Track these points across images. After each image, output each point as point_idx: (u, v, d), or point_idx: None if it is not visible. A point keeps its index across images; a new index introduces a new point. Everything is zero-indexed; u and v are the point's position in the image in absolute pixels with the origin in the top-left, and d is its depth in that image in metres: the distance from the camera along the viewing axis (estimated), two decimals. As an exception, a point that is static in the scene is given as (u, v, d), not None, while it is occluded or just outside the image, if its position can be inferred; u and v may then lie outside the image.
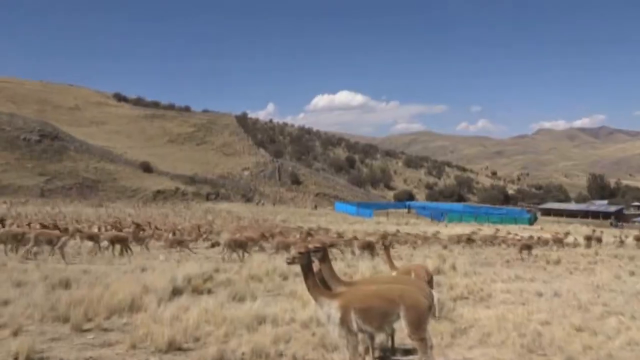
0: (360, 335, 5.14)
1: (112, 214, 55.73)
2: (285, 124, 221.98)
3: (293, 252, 5.08)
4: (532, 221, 76.67)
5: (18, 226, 23.16)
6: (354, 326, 4.88)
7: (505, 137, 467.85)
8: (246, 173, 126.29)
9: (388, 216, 76.08)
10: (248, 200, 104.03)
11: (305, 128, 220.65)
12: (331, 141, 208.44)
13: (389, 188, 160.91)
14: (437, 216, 75.68)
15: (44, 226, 20.79)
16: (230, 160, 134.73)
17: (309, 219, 66.41)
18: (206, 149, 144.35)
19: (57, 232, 16.81)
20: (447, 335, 7.52)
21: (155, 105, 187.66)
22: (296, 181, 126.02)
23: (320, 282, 5.84)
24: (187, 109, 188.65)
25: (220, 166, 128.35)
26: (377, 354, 6.32)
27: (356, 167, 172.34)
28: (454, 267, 16.01)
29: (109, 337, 6.55)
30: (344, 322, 4.85)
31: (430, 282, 8.74)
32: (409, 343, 6.99)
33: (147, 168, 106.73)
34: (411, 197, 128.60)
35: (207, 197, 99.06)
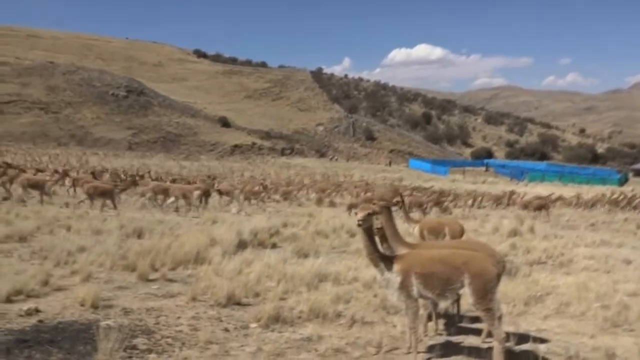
0: (421, 301, 4.82)
1: (200, 169, 57.96)
2: (361, 79, 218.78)
3: (361, 213, 4.72)
4: (622, 182, 71.41)
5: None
6: (414, 291, 4.59)
7: (596, 92, 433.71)
8: (320, 128, 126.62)
9: (464, 174, 73.76)
10: (322, 155, 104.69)
11: (381, 83, 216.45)
12: (407, 97, 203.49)
13: (467, 145, 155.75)
14: (517, 175, 72.30)
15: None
16: (305, 115, 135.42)
17: (382, 175, 65.83)
18: (281, 104, 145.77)
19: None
20: (521, 302, 6.99)
21: (233, 61, 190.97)
22: (370, 137, 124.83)
23: (382, 241, 5.61)
24: (263, 65, 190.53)
25: (295, 121, 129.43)
26: (441, 320, 5.98)
27: (432, 124, 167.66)
28: (532, 230, 15.11)
29: (172, 288, 6.67)
30: (404, 286, 4.58)
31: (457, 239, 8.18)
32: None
33: (225, 123, 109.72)
34: (490, 155, 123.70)
35: (282, 152, 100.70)
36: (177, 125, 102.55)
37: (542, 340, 5.54)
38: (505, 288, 7.41)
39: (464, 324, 6.00)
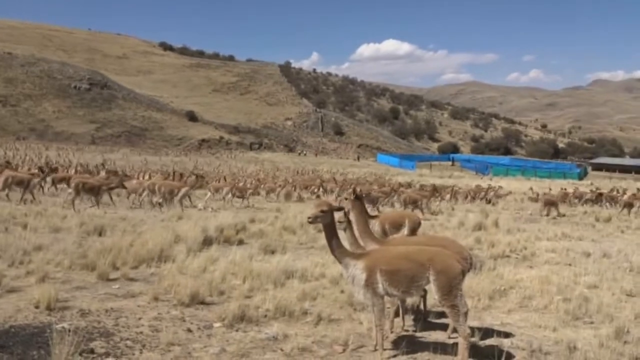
0: (386, 298, 4.78)
1: (167, 163, 56.90)
2: (329, 74, 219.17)
3: (314, 210, 4.71)
4: (581, 176, 73.70)
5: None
6: (380, 289, 4.53)
7: (558, 89, 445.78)
8: (289, 123, 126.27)
9: (431, 169, 74.79)
10: (290, 150, 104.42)
11: (349, 78, 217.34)
12: (375, 92, 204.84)
13: (434, 140, 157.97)
14: (482, 169, 73.82)
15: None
16: (274, 110, 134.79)
17: (351, 170, 66.10)
18: (250, 98, 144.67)
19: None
20: (485, 296, 7.05)
21: (200, 54, 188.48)
22: (339, 132, 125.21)
23: (352, 238, 5.55)
24: (231, 58, 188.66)
25: (264, 116, 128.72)
26: (408, 316, 5.97)
27: (400, 119, 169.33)
28: (496, 224, 15.37)
29: (133, 287, 6.46)
30: (369, 284, 4.52)
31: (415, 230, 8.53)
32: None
33: (192, 117, 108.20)
34: (456, 149, 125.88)
35: (251, 147, 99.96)
36: (143, 119, 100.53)
37: (506, 335, 5.60)
38: (470, 282, 7.48)
39: (431, 320, 6.01)
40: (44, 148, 64.17)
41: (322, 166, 68.97)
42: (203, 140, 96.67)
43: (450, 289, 4.41)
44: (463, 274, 4.64)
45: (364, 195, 6.43)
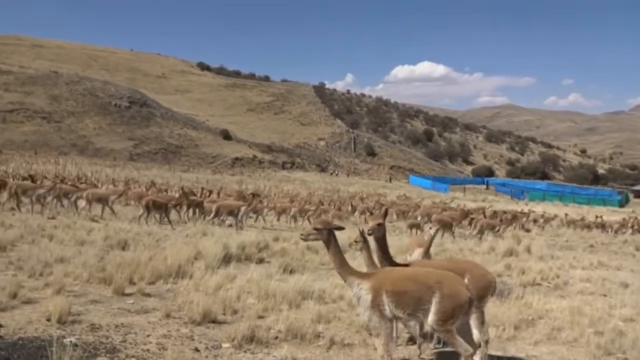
0: (394, 321, 4.55)
1: (199, 181, 57.76)
2: (363, 95, 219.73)
3: (308, 227, 4.70)
4: (623, 203, 71.08)
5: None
6: (387, 311, 4.34)
7: (598, 113, 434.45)
8: (322, 143, 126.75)
9: (465, 192, 73.52)
10: (322, 170, 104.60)
11: (383, 99, 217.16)
12: (409, 113, 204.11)
13: (468, 163, 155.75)
14: (518, 194, 72.12)
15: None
16: (307, 130, 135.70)
17: (382, 192, 65.61)
18: (283, 118, 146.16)
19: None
20: (511, 326, 6.70)
21: (236, 74, 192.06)
22: (371, 153, 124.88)
23: (369, 260, 5.34)
24: (266, 79, 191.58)
25: (297, 136, 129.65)
26: (427, 343, 5.71)
27: (434, 141, 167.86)
28: (528, 250, 14.84)
29: (147, 303, 6.41)
30: (375, 305, 4.34)
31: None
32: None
33: (226, 136, 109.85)
34: (491, 173, 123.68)
35: (283, 166, 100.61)
36: (179, 137, 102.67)
37: (530, 368, 5.28)
38: (496, 310, 7.17)
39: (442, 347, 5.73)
40: (88, 163, 66.18)
41: (354, 187, 68.63)
42: (236, 159, 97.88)
43: (452, 315, 4.22)
44: (469, 302, 4.37)
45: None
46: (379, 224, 4.99)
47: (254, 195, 20.40)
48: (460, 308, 4.26)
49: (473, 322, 5.05)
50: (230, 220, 17.48)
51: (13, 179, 17.87)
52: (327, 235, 4.56)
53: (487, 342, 5.15)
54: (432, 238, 6.76)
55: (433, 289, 4.27)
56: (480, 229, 18.38)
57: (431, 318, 4.25)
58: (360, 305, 4.45)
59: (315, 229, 4.60)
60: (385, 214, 5.35)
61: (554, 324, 7.01)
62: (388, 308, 4.33)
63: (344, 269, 4.54)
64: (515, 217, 22.52)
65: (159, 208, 15.89)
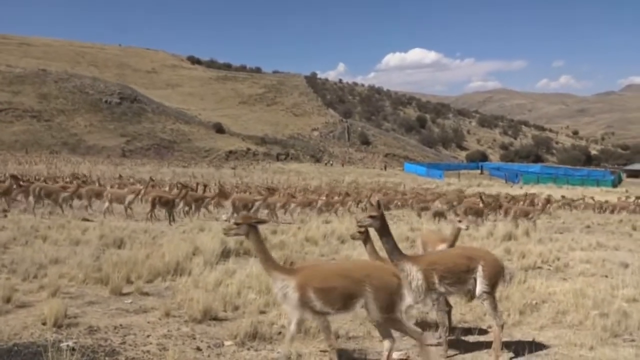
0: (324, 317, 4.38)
1: (194, 175, 57.46)
2: (355, 84, 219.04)
3: (233, 221, 4.67)
4: (616, 183, 71.44)
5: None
6: (317, 307, 4.23)
7: (589, 94, 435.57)
8: (315, 133, 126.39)
9: (459, 177, 73.60)
10: (317, 160, 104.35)
11: (375, 88, 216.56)
12: (401, 101, 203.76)
13: (462, 148, 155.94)
14: (512, 177, 72.26)
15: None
16: (300, 120, 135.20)
17: (377, 179, 65.50)
18: (276, 109, 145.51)
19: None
20: (515, 311, 6.62)
21: (227, 67, 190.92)
22: (365, 141, 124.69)
23: (374, 254, 5.58)
24: (257, 70, 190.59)
25: (290, 127, 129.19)
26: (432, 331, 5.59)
27: (427, 127, 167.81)
28: (527, 233, 14.77)
29: (146, 302, 6.28)
30: (303, 303, 4.23)
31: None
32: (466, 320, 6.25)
33: (219, 129, 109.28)
34: (484, 157, 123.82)
35: (277, 158, 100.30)
36: (171, 132, 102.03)
37: (538, 354, 5.19)
38: (499, 295, 7.05)
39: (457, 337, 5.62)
40: (81, 161, 65.73)
41: (349, 176, 68.52)
42: (230, 152, 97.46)
43: (390, 305, 4.22)
44: (400, 288, 4.37)
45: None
46: (371, 216, 4.87)
47: (269, 189, 20.35)
48: (395, 296, 4.25)
49: (487, 308, 5.10)
50: (226, 214, 17.34)
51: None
52: (247, 229, 4.43)
53: (502, 326, 5.08)
54: (458, 232, 6.50)
55: (363, 282, 4.21)
56: (514, 215, 18.38)
57: (373, 313, 4.23)
58: (287, 304, 4.32)
59: (235, 223, 4.51)
60: (380, 205, 5.23)
61: (559, 308, 6.93)
62: (317, 305, 4.21)
63: (269, 263, 4.39)
64: (548, 202, 22.19)
65: (165, 204, 15.95)
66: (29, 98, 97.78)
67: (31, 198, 15.78)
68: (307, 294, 4.19)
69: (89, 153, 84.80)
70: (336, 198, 23.04)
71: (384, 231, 4.75)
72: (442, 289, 4.96)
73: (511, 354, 5.11)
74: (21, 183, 17.58)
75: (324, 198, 22.47)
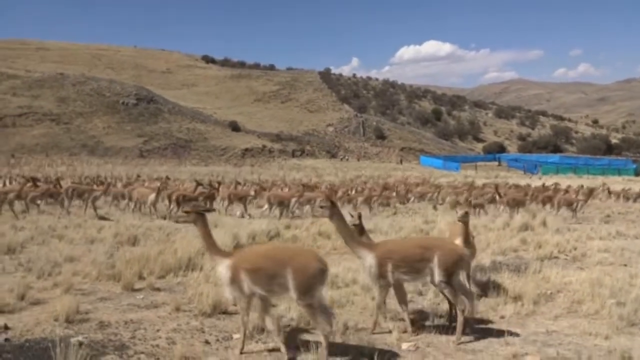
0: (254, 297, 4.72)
1: (211, 173, 57.86)
2: (369, 78, 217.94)
3: (182, 210, 5.05)
4: (638, 172, 70.06)
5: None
6: (245, 287, 4.56)
7: (608, 82, 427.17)
8: (330, 129, 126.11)
9: (477, 169, 72.93)
10: (333, 156, 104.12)
11: (389, 81, 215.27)
12: (416, 94, 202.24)
13: (478, 140, 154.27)
14: (531, 168, 71.34)
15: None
16: (315, 116, 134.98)
17: (395, 174, 65.24)
18: (291, 106, 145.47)
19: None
20: (529, 301, 6.52)
21: (241, 65, 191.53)
22: (381, 136, 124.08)
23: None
24: (271, 68, 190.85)
25: (305, 123, 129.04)
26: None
27: (443, 120, 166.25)
28: (544, 223, 14.55)
29: (157, 297, 6.33)
30: (234, 282, 4.59)
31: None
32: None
33: (235, 127, 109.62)
34: (502, 149, 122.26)
35: (293, 154, 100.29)
36: (188, 131, 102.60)
37: (552, 344, 5.10)
38: (513, 286, 6.98)
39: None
40: (103, 162, 66.61)
41: (365, 171, 68.32)
42: (246, 150, 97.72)
43: (308, 288, 4.37)
44: (322, 273, 4.48)
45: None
46: (322, 207, 5.12)
47: (305, 186, 20.47)
48: (313, 279, 4.38)
49: (448, 296, 5.26)
50: (240, 210, 17.46)
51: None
52: (195, 217, 4.80)
53: (463, 311, 5.12)
54: (466, 229, 6.47)
55: (285, 264, 4.42)
56: (558, 205, 18.25)
57: (292, 294, 4.42)
58: (222, 282, 4.75)
59: (185, 211, 4.89)
60: (332, 195, 5.28)
61: (574, 297, 6.82)
62: (246, 285, 4.51)
63: (211, 249, 4.78)
64: (592, 192, 21.88)
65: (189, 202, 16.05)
66: (48, 102, 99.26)
67: (65, 199, 16.12)
68: (238, 274, 4.51)
69: (107, 154, 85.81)
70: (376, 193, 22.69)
71: (337, 220, 5.08)
72: (396, 277, 5.12)
73: (523, 345, 5.03)
74: (38, 183, 17.88)
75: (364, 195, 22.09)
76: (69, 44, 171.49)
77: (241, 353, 4.64)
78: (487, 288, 7.03)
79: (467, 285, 5.97)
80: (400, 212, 20.19)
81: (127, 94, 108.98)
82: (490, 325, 5.81)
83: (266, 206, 17.66)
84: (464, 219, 6.43)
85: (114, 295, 6.43)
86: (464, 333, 5.13)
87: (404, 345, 4.85)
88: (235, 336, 4.99)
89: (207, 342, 4.83)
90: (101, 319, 5.38)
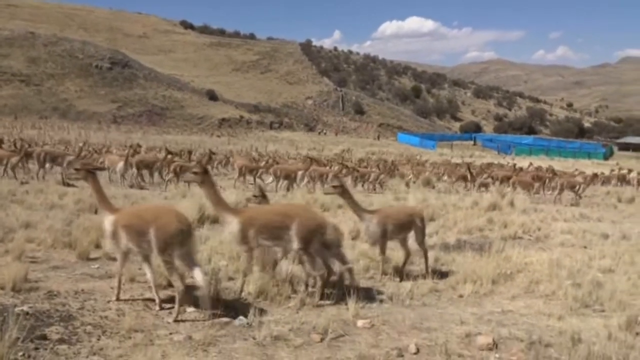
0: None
1: (185, 142, 56.99)
2: (350, 52, 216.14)
3: (73, 168, 5.45)
4: (607, 156, 71.71)
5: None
6: (122, 243, 4.96)
7: (585, 66, 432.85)
8: (309, 102, 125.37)
9: (452, 148, 73.56)
10: (311, 129, 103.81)
11: (371, 56, 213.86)
12: (397, 70, 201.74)
13: (456, 119, 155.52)
14: (504, 149, 72.35)
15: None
16: (294, 89, 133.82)
17: (370, 149, 65.34)
18: (270, 77, 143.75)
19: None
20: (488, 281, 6.57)
21: (221, 32, 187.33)
22: (360, 111, 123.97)
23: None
24: (251, 37, 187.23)
25: (284, 95, 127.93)
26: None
27: (422, 97, 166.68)
28: (512, 204, 14.74)
29: (112, 268, 6.12)
30: (113, 237, 5.04)
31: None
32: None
33: (212, 96, 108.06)
34: (478, 128, 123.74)
35: (271, 126, 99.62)
36: (164, 98, 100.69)
37: (506, 323, 5.14)
38: (474, 265, 7.03)
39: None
40: (77, 128, 64.96)
41: (342, 145, 68.25)
42: (223, 120, 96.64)
43: (166, 245, 4.64)
44: (182, 234, 4.72)
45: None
46: (194, 172, 5.42)
47: (312, 159, 20.19)
48: (172, 238, 4.64)
49: (306, 263, 5.47)
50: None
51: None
52: (85, 174, 5.21)
53: (322, 275, 5.43)
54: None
55: (149, 224, 4.72)
56: (561, 188, 18.52)
57: (154, 249, 4.72)
58: (105, 236, 5.15)
59: (75, 169, 5.30)
60: (200, 165, 5.69)
61: (533, 277, 6.92)
62: (123, 240, 4.88)
63: (102, 203, 5.18)
64: (595, 176, 22.30)
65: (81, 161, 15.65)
66: (17, 62, 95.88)
67: (37, 163, 15.64)
68: (117, 230, 4.88)
69: (79, 119, 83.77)
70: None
71: (207, 187, 5.37)
72: (259, 242, 5.34)
73: (478, 324, 5.05)
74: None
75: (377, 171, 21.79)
76: (41, 2, 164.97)
77: (117, 300, 4.99)
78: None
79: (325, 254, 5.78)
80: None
81: (101, 57, 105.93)
82: (447, 304, 5.85)
83: (271, 179, 17.37)
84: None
85: (68, 264, 6.24)
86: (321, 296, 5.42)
87: (359, 322, 4.83)
88: (189, 310, 4.89)
89: (157, 316, 4.72)
90: (51, 288, 5.21)
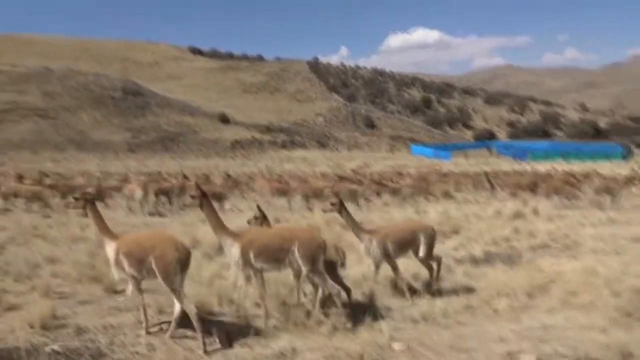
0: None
1: (206, 166, 57.38)
2: (358, 67, 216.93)
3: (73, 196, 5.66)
4: (626, 156, 70.53)
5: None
6: (126, 268, 5.06)
7: (596, 67, 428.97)
8: (320, 119, 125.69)
9: (467, 157, 73.01)
10: (323, 146, 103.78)
11: (378, 70, 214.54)
12: (405, 82, 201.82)
13: (468, 128, 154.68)
14: (520, 155, 71.52)
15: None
16: (304, 107, 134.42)
17: (385, 162, 65.11)
18: (279, 97, 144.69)
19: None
20: (522, 294, 6.38)
21: (229, 56, 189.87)
22: (370, 125, 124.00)
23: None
24: (259, 58, 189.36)
25: (294, 113, 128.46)
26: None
27: (432, 108, 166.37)
28: (535, 211, 14.45)
29: (137, 299, 6.07)
30: (116, 263, 5.18)
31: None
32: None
33: (224, 119, 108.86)
34: (492, 136, 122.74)
35: (283, 145, 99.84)
36: (176, 124, 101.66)
37: (547, 339, 4.94)
38: (506, 277, 6.83)
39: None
40: (93, 158, 65.82)
41: (355, 161, 68.14)
42: (236, 141, 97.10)
43: (168, 273, 4.69)
44: (180, 261, 4.78)
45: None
46: (192, 196, 5.60)
47: (340, 177, 20.05)
48: (170, 266, 4.69)
49: (318, 282, 5.39)
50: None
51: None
52: (84, 203, 5.51)
53: (329, 295, 5.41)
54: None
55: (148, 251, 4.79)
56: (597, 191, 18.34)
57: (159, 278, 4.74)
58: (110, 261, 5.26)
59: (74, 198, 5.63)
60: (197, 186, 5.75)
61: (568, 288, 6.66)
62: (125, 266, 4.98)
63: (102, 231, 5.39)
64: (632, 179, 21.69)
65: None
66: (34, 96, 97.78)
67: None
68: (119, 256, 4.99)
69: (95, 149, 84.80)
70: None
71: (206, 209, 5.45)
72: (258, 265, 5.29)
73: (518, 341, 4.87)
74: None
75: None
76: (54, 37, 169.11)
77: (147, 333, 4.94)
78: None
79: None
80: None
81: (114, 88, 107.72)
82: (483, 320, 5.66)
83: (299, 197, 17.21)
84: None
85: (95, 298, 6.19)
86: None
87: (396, 345, 4.68)
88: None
89: (189, 348, 4.61)
90: (79, 324, 5.15)
